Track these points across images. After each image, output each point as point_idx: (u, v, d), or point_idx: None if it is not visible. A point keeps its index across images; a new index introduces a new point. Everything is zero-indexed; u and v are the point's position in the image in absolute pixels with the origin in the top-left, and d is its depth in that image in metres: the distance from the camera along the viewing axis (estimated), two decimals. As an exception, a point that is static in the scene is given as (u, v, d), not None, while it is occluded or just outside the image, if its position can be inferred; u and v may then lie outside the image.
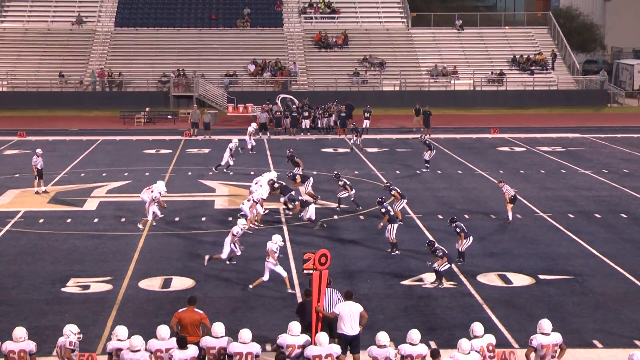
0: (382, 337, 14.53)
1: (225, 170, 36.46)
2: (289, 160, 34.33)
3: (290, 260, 23.43)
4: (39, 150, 33.01)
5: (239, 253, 22.81)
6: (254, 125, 41.33)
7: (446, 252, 21.54)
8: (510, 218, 28.23)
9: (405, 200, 28.08)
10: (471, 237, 23.45)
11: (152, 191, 27.36)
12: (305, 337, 14.86)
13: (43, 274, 22.32)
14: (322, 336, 14.56)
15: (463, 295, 20.83)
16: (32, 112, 58.56)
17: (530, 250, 24.75)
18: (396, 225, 24.51)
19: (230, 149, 36.45)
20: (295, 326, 14.82)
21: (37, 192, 32.24)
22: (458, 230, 23.28)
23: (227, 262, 22.82)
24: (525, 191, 33.03)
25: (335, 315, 15.82)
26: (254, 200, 27.04)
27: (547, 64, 66.27)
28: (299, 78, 63.76)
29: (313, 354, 14.35)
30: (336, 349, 14.42)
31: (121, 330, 14.55)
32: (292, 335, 14.71)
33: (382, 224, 24.74)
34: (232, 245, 22.54)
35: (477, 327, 14.86)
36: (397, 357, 14.46)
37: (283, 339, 14.73)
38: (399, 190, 27.69)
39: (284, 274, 20.90)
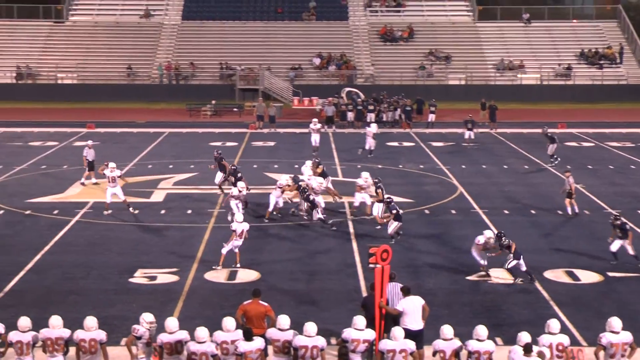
0: (448, 330, 14.41)
1: (369, 155, 38.98)
2: (216, 162, 31.93)
3: (354, 253, 23.44)
4: (90, 142, 33.76)
5: (483, 262, 21.84)
6: (315, 121, 40.79)
7: (511, 245, 21.23)
8: (570, 212, 27.90)
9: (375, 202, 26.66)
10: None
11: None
12: (370, 332, 14.81)
13: (111, 265, 22.63)
14: (398, 330, 14.46)
15: (529, 291, 20.60)
16: (101, 105, 59.50)
17: (598, 247, 24.33)
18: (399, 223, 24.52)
19: (374, 134, 39.71)
20: (360, 320, 14.74)
21: (82, 184, 32.79)
22: (628, 226, 22.65)
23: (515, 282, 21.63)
24: (594, 187, 32.54)
25: (399, 312, 15.74)
26: (278, 187, 27.29)
27: (616, 58, 65.18)
28: (364, 71, 63.65)
29: (387, 347, 14.28)
30: (410, 345, 14.28)
31: (171, 322, 14.55)
32: (357, 330, 14.65)
33: (388, 220, 24.72)
34: (476, 254, 21.75)
35: (554, 324, 14.59)
36: (464, 352, 14.33)
37: (348, 333, 14.67)
38: (383, 191, 26.15)
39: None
